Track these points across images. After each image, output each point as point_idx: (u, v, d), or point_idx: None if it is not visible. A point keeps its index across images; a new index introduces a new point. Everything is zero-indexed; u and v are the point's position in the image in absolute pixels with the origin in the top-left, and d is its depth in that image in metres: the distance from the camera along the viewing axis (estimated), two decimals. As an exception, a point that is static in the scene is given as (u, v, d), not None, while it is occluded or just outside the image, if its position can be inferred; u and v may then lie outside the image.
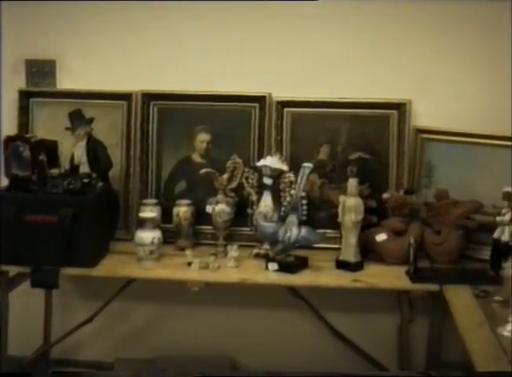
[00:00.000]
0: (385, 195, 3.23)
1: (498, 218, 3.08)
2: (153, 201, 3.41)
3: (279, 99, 3.43)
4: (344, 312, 3.60)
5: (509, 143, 3.21)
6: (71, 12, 3.51)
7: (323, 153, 3.43)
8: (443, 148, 3.37)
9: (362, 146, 3.41)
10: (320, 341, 3.67)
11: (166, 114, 3.50)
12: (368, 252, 3.23)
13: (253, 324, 3.73)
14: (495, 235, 3.08)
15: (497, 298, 2.82)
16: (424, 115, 3.41)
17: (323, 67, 3.45)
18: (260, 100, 3.42)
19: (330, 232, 3.34)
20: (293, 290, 3.33)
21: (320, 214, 3.41)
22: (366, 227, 3.21)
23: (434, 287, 2.98)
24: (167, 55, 3.52)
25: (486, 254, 3.16)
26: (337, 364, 3.64)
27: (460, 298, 2.86)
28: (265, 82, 3.44)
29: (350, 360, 3.63)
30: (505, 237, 3.06)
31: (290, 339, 3.71)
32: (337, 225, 3.21)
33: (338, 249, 3.19)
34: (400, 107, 3.37)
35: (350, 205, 3.10)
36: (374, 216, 3.27)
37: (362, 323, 3.66)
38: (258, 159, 3.34)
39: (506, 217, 3.06)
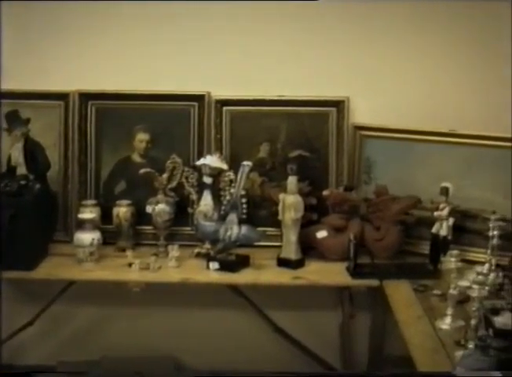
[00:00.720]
0: (324, 193, 3.25)
1: (436, 213, 3.14)
2: (92, 202, 3.37)
3: (218, 98, 3.42)
4: (286, 310, 3.61)
5: (446, 139, 3.27)
6: (5, 10, 3.44)
7: (263, 151, 3.44)
8: (381, 145, 3.40)
9: (301, 144, 3.43)
10: (262, 339, 3.67)
11: (105, 114, 3.47)
12: (309, 249, 3.25)
13: (196, 324, 3.71)
14: (434, 229, 3.14)
15: (436, 291, 2.85)
16: (362, 113, 3.44)
17: (262, 66, 3.44)
18: (199, 99, 3.41)
19: (270, 230, 3.34)
20: (235, 289, 3.33)
21: (260, 212, 3.41)
22: (306, 224, 3.23)
23: (374, 282, 3.01)
24: (105, 54, 3.49)
25: (425, 248, 3.22)
26: (280, 362, 3.66)
27: (399, 293, 2.89)
28: (204, 81, 3.43)
29: (294, 357, 3.65)
30: (443, 231, 3.12)
31: (233, 338, 3.71)
32: (277, 223, 3.22)
33: (279, 247, 3.20)
34: (339, 105, 3.39)
35: (290, 203, 3.11)
36: (314, 213, 3.29)
37: (305, 320, 3.67)
38: (198, 158, 3.33)
39: (444, 212, 3.12)
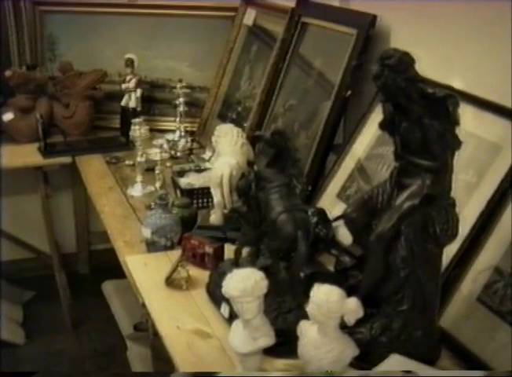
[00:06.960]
0: (7, 73, 3.11)
1: (123, 86, 3.14)
2: None
3: None
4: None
5: (127, 10, 3.27)
6: None
7: None
8: (63, 20, 3.32)
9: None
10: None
11: None
12: (-1, 134, 3.14)
13: None
14: (123, 102, 3.15)
15: (128, 162, 2.91)
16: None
17: None
18: None
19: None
20: None
21: None
22: (-7, 109, 3.11)
23: (67, 159, 3.00)
24: None
25: (117, 122, 3.23)
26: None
27: (92, 167, 2.92)
28: None
29: (6, 248, 3.58)
30: (132, 103, 3.15)
31: None
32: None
33: (-34, 134, 3.06)
34: (13, -21, 3.23)
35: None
36: (-2, 96, 3.17)
37: (8, 207, 3.57)
38: None
39: (131, 84, 3.14)
